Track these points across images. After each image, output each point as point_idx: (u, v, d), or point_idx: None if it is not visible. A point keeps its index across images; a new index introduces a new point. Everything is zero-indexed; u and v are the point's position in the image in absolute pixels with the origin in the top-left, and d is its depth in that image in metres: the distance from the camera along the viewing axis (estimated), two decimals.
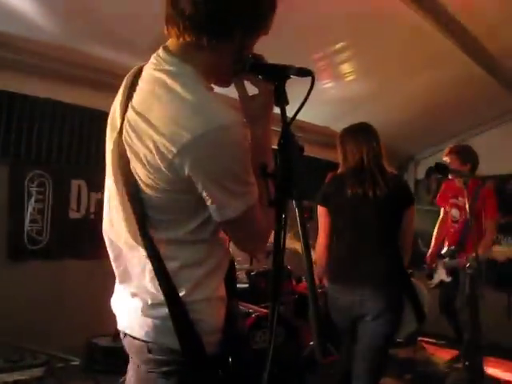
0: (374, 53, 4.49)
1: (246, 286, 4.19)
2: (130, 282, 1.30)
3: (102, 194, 4.33)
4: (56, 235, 4.24)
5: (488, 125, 6.43)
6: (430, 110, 5.74)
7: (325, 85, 5.00)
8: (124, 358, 3.90)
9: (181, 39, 1.14)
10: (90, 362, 3.87)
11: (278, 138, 0.97)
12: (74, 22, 3.56)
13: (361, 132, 2.88)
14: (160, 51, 1.22)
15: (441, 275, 4.10)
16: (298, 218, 0.94)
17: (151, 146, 1.07)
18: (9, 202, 3.96)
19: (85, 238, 4.44)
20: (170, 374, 1.20)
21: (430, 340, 5.34)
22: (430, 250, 4.37)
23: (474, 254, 3.65)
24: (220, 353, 1.24)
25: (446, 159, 4.20)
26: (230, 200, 1.08)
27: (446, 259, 4.09)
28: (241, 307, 3.70)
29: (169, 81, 1.10)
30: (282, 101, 1.00)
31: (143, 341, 1.23)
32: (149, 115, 1.09)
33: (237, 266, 4.20)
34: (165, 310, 1.17)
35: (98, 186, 4.55)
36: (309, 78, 1.02)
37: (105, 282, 4.21)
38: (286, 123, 0.96)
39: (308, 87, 1.01)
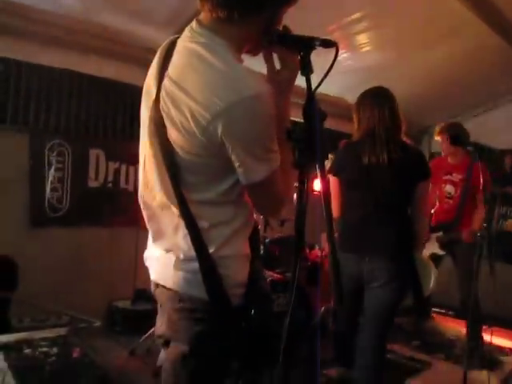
0: (390, 23, 4.46)
1: (261, 252, 4.30)
2: (163, 239, 1.40)
3: (120, 163, 4.45)
4: (75, 203, 4.37)
5: (506, 97, 6.35)
6: (447, 82, 5.70)
7: (340, 55, 4.99)
8: (142, 320, 4.06)
9: (213, 14, 1.18)
10: (110, 324, 4.03)
11: (302, 105, 1.03)
12: None
13: (375, 97, 2.76)
14: (194, 24, 1.27)
15: (432, 248, 4.12)
16: (320, 181, 1.00)
17: (187, 112, 1.15)
18: (30, 170, 4.08)
19: (103, 207, 4.57)
20: (198, 321, 1.32)
21: (439, 310, 5.44)
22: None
23: (476, 228, 3.75)
24: (244, 305, 1.34)
25: (438, 139, 4.25)
26: (256, 165, 1.17)
27: (440, 233, 4.11)
28: None
29: (203, 52, 1.17)
30: (307, 70, 1.05)
31: (175, 291, 1.34)
32: (185, 84, 1.17)
33: None
34: (196, 265, 1.28)
35: (115, 155, 4.66)
36: (332, 50, 1.08)
37: (122, 249, 4.36)
38: (311, 91, 1.02)
39: (329, 59, 1.06)
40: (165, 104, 1.23)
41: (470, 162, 3.98)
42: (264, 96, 1.11)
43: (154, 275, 1.48)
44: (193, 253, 1.28)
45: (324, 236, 4.98)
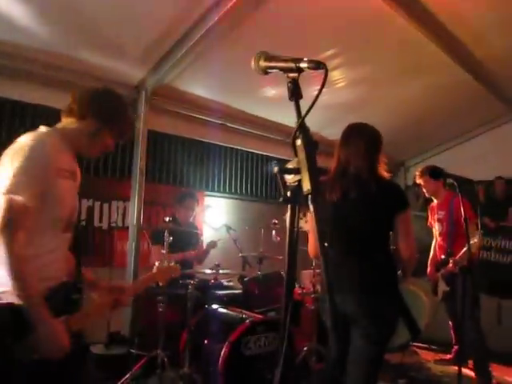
0: (363, 60, 4.55)
1: (240, 291, 4.18)
2: None
3: (94, 200, 4.36)
4: None
5: (477, 131, 6.51)
6: (420, 117, 5.82)
7: (314, 91, 5.04)
8: (117, 365, 3.85)
9: None
10: None
11: (291, 136, 0.97)
12: (65, 29, 3.56)
13: (350, 134, 2.69)
14: None
15: (442, 287, 4.20)
16: (313, 215, 0.92)
17: None
18: None
19: (73, 246, 4.38)
20: None
21: (422, 345, 5.36)
22: (429, 267, 4.50)
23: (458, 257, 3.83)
24: None
25: (420, 182, 4.38)
26: None
27: (442, 270, 4.20)
28: (234, 312, 3.68)
29: None
30: (297, 95, 1.00)
31: None
32: None
33: (230, 272, 4.18)
34: None
35: (88, 193, 4.53)
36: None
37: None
38: (302, 117, 0.96)
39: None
40: None
41: (452, 198, 4.13)
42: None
43: None
44: None
45: (304, 273, 4.92)
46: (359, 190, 2.50)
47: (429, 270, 4.49)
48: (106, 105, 1.84)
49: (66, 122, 1.86)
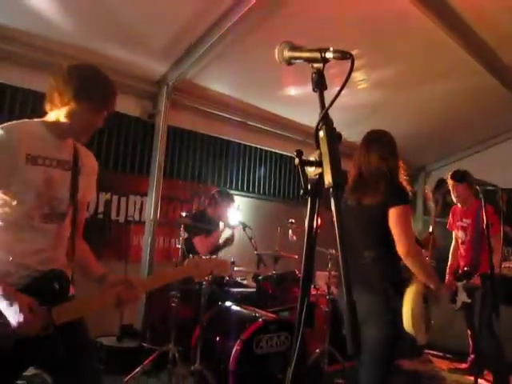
0: (387, 61, 4.48)
1: (253, 290, 4.16)
2: None
3: (112, 194, 4.38)
4: None
5: (501, 137, 6.39)
6: (443, 121, 5.72)
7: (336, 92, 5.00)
8: (127, 358, 3.86)
9: None
10: None
11: (314, 127, 0.94)
12: (88, 22, 3.58)
13: (366, 142, 2.77)
14: None
15: (463, 297, 4.12)
16: (334, 209, 0.89)
17: None
18: None
19: (92, 238, 4.41)
20: None
21: (437, 353, 5.26)
22: (447, 276, 4.42)
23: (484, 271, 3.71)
24: None
25: (449, 186, 4.23)
26: None
27: (464, 281, 4.13)
28: (248, 310, 3.66)
29: None
30: (321, 85, 0.97)
31: None
32: None
33: (244, 269, 4.17)
34: None
35: (106, 186, 4.55)
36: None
37: None
38: (326, 108, 0.93)
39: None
40: None
41: (479, 207, 3.96)
42: None
43: None
44: None
45: (319, 275, 4.87)
46: (366, 194, 2.57)
47: (447, 278, 4.40)
48: (77, 80, 1.75)
49: (51, 110, 1.81)
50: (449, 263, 4.51)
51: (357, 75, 4.82)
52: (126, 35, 3.76)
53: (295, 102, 4.77)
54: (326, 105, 0.95)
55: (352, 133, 5.86)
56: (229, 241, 4.36)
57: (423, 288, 2.64)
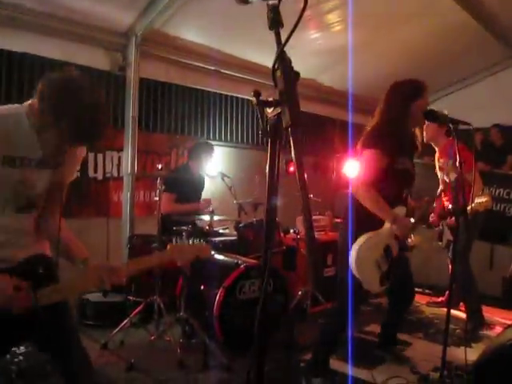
0: (361, 2, 4.38)
1: (235, 237, 4.21)
2: None
3: (87, 151, 4.29)
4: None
5: (475, 77, 6.40)
6: (418, 62, 5.67)
7: (311, 35, 4.89)
8: (114, 312, 3.92)
9: None
10: (81, 317, 3.88)
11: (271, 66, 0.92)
12: None
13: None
14: None
15: (447, 235, 4.21)
16: (292, 145, 0.89)
17: None
18: None
19: (70, 197, 4.38)
20: None
21: (417, 289, 5.44)
22: (432, 214, 4.45)
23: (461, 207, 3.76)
24: None
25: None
26: None
27: (448, 219, 4.19)
28: (230, 258, 3.73)
29: None
30: (277, 24, 0.95)
31: None
32: None
33: (225, 218, 4.21)
34: None
35: None
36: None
37: (92, 239, 4.23)
38: (282, 45, 0.91)
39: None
40: None
41: (451, 146, 3.97)
42: None
43: None
44: None
45: (299, 219, 4.94)
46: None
47: (432, 217, 4.44)
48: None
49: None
50: (434, 204, 4.55)
51: (330, 17, 4.72)
52: None
53: (269, 46, 4.65)
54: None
55: (327, 76, 5.84)
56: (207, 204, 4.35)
57: (386, 237, 2.71)
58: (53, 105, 1.59)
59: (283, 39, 0.94)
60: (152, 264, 2.11)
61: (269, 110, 0.94)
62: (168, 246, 1.99)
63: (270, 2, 0.95)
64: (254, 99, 0.92)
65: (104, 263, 1.89)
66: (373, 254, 2.65)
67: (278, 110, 0.91)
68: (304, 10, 0.86)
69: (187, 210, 4.06)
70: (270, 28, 0.95)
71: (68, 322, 1.88)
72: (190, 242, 2.12)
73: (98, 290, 1.87)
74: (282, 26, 0.94)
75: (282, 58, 0.92)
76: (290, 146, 0.91)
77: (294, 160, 0.87)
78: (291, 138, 0.88)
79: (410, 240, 2.93)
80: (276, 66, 0.93)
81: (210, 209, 3.95)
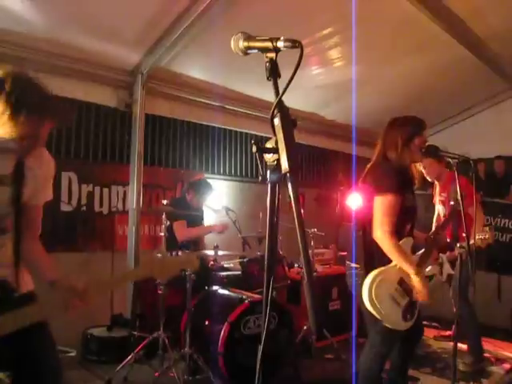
0: (362, 38, 4.49)
1: (239, 272, 4.21)
2: None
3: (94, 185, 4.36)
4: (48, 228, 4.17)
5: (476, 108, 6.48)
6: (419, 95, 5.77)
7: (313, 71, 5.01)
8: (119, 348, 3.90)
9: None
10: (85, 353, 3.86)
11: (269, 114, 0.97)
12: (58, 14, 3.52)
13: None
14: None
15: (447, 269, 4.19)
16: (291, 193, 0.93)
17: None
18: None
19: (77, 231, 4.44)
20: None
21: (424, 322, 5.38)
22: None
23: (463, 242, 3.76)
24: None
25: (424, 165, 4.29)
26: None
27: (447, 253, 4.17)
28: (234, 293, 3.72)
29: None
30: (274, 74, 1.00)
31: None
32: None
33: (229, 253, 4.22)
34: None
35: (88, 178, 4.54)
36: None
37: (98, 273, 4.24)
38: (279, 95, 0.96)
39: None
40: None
41: (453, 179, 3.99)
42: None
43: None
44: None
45: None
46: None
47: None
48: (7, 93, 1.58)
49: None
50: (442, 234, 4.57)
51: (332, 53, 4.83)
52: (97, 25, 3.71)
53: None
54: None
55: (328, 111, 5.94)
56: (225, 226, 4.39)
57: (399, 271, 2.63)
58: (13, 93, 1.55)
59: (280, 89, 0.98)
60: (125, 280, 2.01)
61: (268, 156, 0.98)
62: (142, 261, 1.88)
63: (269, 55, 1.01)
64: (254, 147, 0.96)
65: (68, 284, 1.74)
66: (386, 289, 2.57)
67: (277, 156, 0.95)
68: (298, 65, 0.90)
69: (204, 231, 4.21)
70: (268, 78, 0.99)
71: (33, 348, 1.75)
72: (174, 253, 2.03)
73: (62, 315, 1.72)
74: (280, 76, 0.99)
75: (281, 107, 0.96)
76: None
77: (293, 204, 0.90)
78: (289, 183, 0.92)
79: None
80: (274, 114, 0.97)
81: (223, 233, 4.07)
